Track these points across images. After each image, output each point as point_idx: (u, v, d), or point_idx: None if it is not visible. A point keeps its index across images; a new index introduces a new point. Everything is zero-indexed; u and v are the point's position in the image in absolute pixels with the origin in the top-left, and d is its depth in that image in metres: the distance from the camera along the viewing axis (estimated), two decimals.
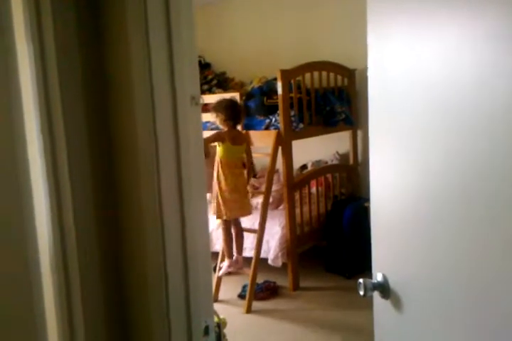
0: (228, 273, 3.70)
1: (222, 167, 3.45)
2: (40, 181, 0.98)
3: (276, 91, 3.61)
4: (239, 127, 3.63)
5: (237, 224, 3.65)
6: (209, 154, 3.50)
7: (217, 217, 3.51)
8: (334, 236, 3.96)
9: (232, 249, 3.63)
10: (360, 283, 1.18)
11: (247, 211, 3.57)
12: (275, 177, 4.08)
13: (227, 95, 3.96)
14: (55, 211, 1.00)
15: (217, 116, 3.46)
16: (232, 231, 3.63)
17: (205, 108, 3.86)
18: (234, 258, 3.64)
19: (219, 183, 3.46)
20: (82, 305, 1.05)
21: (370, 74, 1.19)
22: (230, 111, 3.43)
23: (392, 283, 1.16)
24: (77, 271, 1.04)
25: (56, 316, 1.03)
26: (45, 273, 1.00)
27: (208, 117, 3.65)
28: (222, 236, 3.62)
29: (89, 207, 1.07)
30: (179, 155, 1.03)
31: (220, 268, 3.63)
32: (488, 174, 0.88)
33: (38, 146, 0.97)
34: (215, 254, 3.74)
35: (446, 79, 0.95)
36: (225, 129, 3.46)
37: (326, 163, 4.52)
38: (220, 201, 3.45)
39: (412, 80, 1.05)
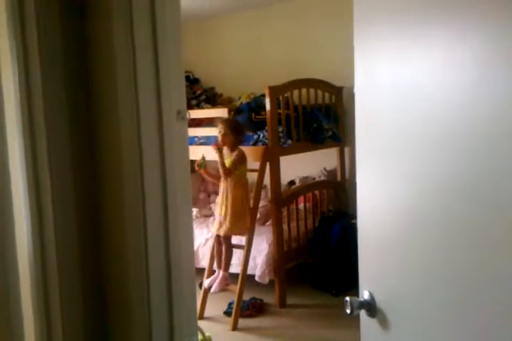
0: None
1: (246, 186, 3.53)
2: (21, 197, 0.96)
3: (264, 108, 3.63)
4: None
5: (230, 240, 3.64)
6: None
7: (235, 234, 3.54)
8: (321, 253, 3.93)
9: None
10: (346, 301, 1.17)
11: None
12: (263, 193, 4.06)
13: (216, 110, 3.96)
14: (36, 226, 0.98)
15: (229, 133, 3.41)
16: (223, 247, 3.60)
17: (193, 122, 3.86)
18: (220, 274, 3.61)
19: (246, 201, 3.52)
20: (62, 320, 1.03)
21: (356, 91, 1.20)
22: (243, 132, 3.53)
23: (379, 302, 1.15)
24: (57, 288, 1.01)
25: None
26: (24, 295, 0.98)
27: (195, 132, 3.63)
28: (224, 251, 3.59)
29: (72, 224, 1.05)
30: (164, 170, 1.02)
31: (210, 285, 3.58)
32: (471, 195, 0.88)
33: (20, 164, 0.95)
34: (202, 270, 3.69)
35: (431, 99, 0.96)
36: (232, 147, 3.46)
37: (314, 179, 4.52)
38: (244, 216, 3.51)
39: (397, 99, 1.06)
